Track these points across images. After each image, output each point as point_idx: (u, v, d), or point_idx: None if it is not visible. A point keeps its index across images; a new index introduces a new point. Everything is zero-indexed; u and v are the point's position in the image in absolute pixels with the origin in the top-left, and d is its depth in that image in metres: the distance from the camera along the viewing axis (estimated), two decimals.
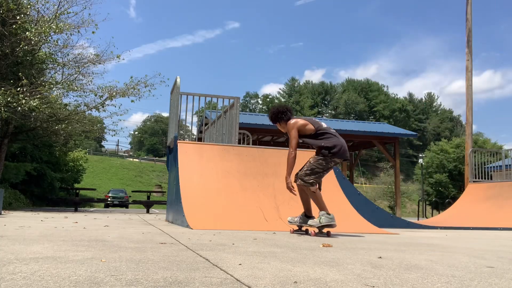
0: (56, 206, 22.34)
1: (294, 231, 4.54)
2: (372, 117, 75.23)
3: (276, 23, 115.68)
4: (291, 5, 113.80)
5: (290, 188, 4.33)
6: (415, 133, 21.56)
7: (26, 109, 11.05)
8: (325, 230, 4.21)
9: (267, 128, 17.31)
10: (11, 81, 11.69)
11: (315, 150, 4.55)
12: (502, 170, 11.56)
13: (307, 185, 4.26)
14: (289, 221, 4.58)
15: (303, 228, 4.54)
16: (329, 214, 4.14)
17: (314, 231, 4.17)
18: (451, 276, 1.79)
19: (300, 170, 4.39)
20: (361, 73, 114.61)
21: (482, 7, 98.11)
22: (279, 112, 4.53)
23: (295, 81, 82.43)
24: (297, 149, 4.39)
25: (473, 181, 10.65)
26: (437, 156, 39.05)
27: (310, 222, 4.28)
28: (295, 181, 4.43)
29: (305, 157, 4.80)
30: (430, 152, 41.58)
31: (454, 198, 22.37)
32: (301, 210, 4.54)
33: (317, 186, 4.32)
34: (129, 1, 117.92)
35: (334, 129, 4.60)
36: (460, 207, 10.01)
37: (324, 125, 4.51)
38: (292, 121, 4.43)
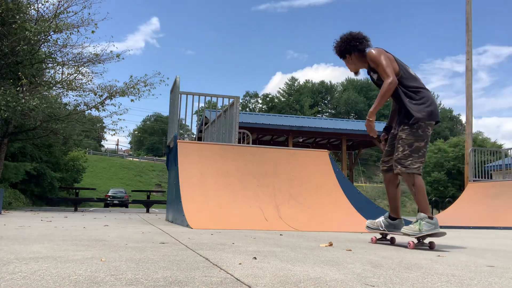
0: (56, 205, 22.34)
1: (377, 241, 3.42)
2: None
3: (277, 22, 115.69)
4: (292, 5, 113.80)
5: (371, 127, 3.22)
6: None
7: (26, 108, 11.05)
8: (427, 240, 3.06)
9: (267, 127, 17.32)
10: (11, 80, 11.69)
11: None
12: (502, 169, 11.56)
13: (412, 174, 3.04)
14: (368, 227, 3.42)
15: (389, 236, 3.45)
16: (432, 218, 2.96)
17: (412, 242, 2.98)
18: (451, 275, 1.79)
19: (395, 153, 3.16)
20: (362, 72, 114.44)
21: (482, 7, 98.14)
22: (353, 39, 3.29)
23: (295, 80, 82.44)
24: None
25: (473, 180, 10.65)
26: (434, 156, 39.06)
27: (405, 229, 3.02)
28: (390, 170, 3.28)
29: (306, 157, 4.74)
30: (428, 152, 41.53)
31: (454, 197, 22.38)
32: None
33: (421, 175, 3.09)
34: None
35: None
36: (460, 206, 10.00)
37: (410, 69, 3.28)
38: (374, 49, 3.23)
